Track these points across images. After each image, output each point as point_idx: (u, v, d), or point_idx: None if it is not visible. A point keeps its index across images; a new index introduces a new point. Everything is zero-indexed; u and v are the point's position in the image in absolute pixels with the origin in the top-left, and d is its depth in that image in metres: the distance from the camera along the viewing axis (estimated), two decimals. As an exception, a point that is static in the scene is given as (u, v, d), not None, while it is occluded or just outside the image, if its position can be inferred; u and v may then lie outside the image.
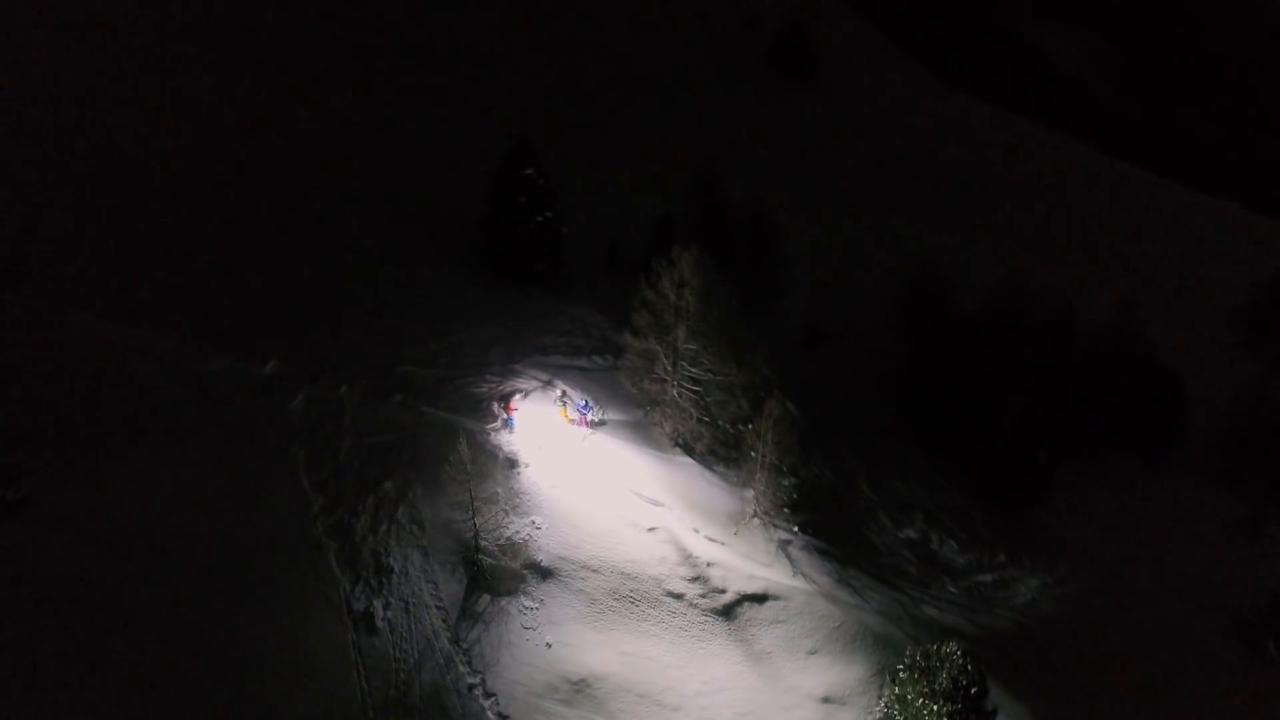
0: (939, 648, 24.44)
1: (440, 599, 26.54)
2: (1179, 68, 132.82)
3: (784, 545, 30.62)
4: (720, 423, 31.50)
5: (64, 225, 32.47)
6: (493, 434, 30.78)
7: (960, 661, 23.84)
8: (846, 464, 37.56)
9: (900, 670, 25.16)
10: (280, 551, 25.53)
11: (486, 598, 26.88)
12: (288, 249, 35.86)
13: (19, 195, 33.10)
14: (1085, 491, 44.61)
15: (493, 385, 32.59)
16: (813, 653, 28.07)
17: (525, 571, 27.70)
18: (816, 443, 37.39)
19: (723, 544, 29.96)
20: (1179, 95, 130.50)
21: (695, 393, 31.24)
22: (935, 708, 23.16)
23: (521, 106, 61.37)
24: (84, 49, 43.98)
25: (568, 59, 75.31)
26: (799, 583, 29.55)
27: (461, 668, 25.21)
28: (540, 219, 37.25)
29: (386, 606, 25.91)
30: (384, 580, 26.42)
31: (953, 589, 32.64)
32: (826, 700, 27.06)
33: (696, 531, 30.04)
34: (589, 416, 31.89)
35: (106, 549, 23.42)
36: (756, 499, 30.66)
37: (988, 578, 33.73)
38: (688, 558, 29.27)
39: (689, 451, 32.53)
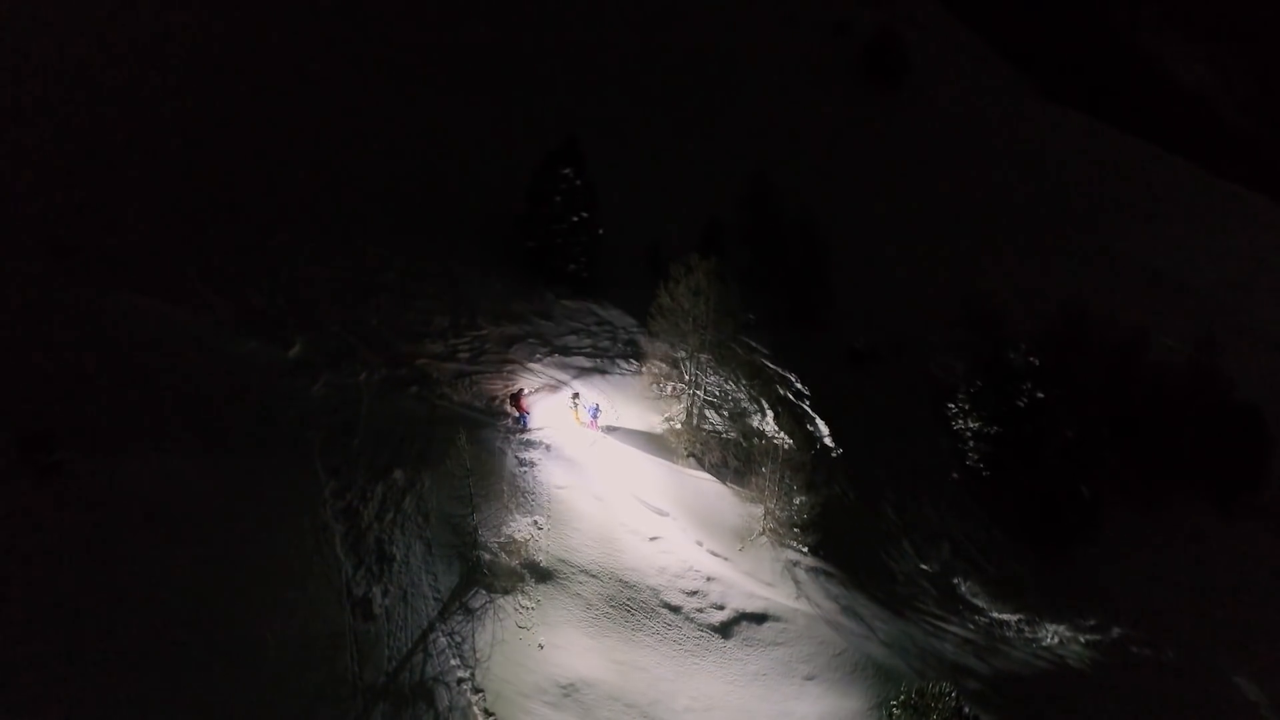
0: (933, 687, 23.38)
1: (438, 591, 26.80)
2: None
3: (791, 565, 29.76)
4: (732, 435, 30.87)
5: (114, 203, 34.17)
6: (504, 431, 30.98)
7: (953, 704, 22.76)
8: (874, 485, 36.27)
9: (894, 706, 24.23)
10: (289, 531, 26.27)
11: (483, 594, 26.97)
12: (324, 236, 36.93)
13: (76, 173, 34.98)
14: (1141, 534, 41.84)
15: (509, 383, 32.78)
16: (809, 679, 27.14)
17: (524, 571, 27.73)
18: (845, 462, 36.31)
19: (726, 559, 29.32)
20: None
21: (709, 403, 30.73)
22: (923, 749, 22.21)
23: (584, 103, 61.52)
24: (135, 37, 45.93)
25: (644, 58, 75.27)
26: (802, 605, 28.65)
27: (453, 661, 25.37)
28: (575, 219, 37.27)
29: (385, 594, 26.35)
30: (385, 568, 26.90)
31: (971, 626, 31.07)
32: (819, 729, 26.18)
33: (700, 544, 29.48)
34: (599, 421, 31.75)
35: (125, 517, 24.54)
36: (765, 516, 29.93)
37: (1011, 617, 31.96)
38: (688, 570, 28.73)
39: (700, 463, 31.99)
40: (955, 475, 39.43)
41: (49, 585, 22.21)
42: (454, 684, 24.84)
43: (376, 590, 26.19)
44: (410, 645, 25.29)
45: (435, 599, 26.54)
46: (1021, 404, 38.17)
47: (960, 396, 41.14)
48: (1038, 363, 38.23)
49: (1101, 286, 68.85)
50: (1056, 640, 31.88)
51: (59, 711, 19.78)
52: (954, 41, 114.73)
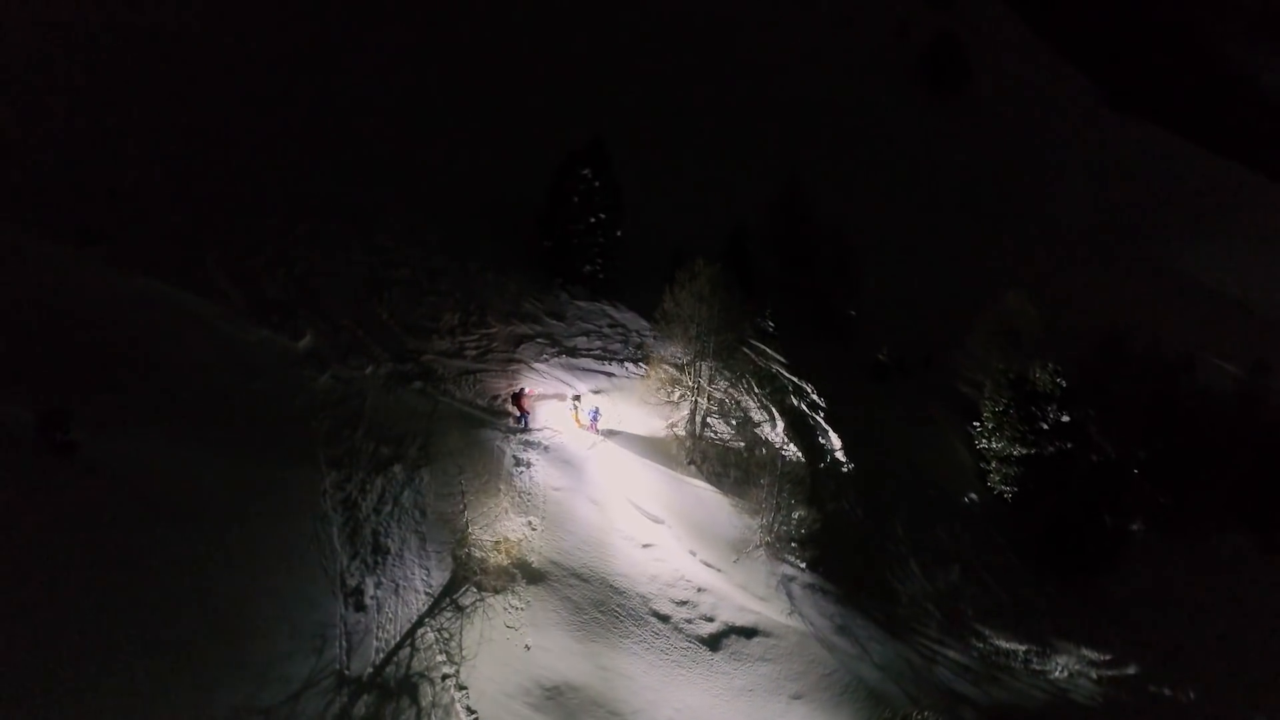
0: (917, 715, 22.67)
1: (430, 586, 26.94)
2: None
3: (786, 580, 29.13)
4: (736, 444, 30.37)
5: (139, 192, 34.96)
6: (504, 430, 31.03)
7: (935, 734, 22.01)
8: (885, 502, 35.35)
9: (877, 733, 23.56)
10: (289, 519, 26.65)
11: (474, 592, 27.08)
12: (342, 230, 37.34)
13: (104, 161, 35.80)
14: (1173, 565, 40.04)
15: (512, 382, 32.85)
16: (797, 698, 26.53)
17: (515, 571, 27.73)
18: (856, 476, 35.47)
19: (719, 570, 28.84)
20: None
21: (715, 411, 30.29)
22: (901, 778, 21.57)
23: (618, 104, 61.38)
24: (161, 26, 46.76)
25: (683, 58, 74.77)
26: (794, 622, 28.02)
27: (439, 657, 25.46)
28: (593, 219, 37.17)
29: (378, 585, 26.54)
30: (380, 560, 27.13)
31: (974, 652, 30.03)
32: (803, 749, 25.58)
33: (693, 554, 29.06)
34: (599, 424, 31.56)
35: (128, 496, 25.10)
36: (763, 529, 29.38)
37: (1020, 646, 30.78)
38: (680, 580, 28.33)
39: (699, 471, 31.57)
40: (973, 496, 38.23)
41: (50, 563, 22.81)
42: (438, 680, 24.90)
43: (369, 582, 26.41)
44: (399, 638, 25.45)
45: (426, 594, 26.66)
46: (1046, 426, 36.84)
47: (985, 415, 39.91)
48: (1064, 384, 36.80)
49: (1153, 304, 66.27)
50: (1066, 674, 30.60)
51: (46, 689, 20.29)
52: (1019, 46, 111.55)
